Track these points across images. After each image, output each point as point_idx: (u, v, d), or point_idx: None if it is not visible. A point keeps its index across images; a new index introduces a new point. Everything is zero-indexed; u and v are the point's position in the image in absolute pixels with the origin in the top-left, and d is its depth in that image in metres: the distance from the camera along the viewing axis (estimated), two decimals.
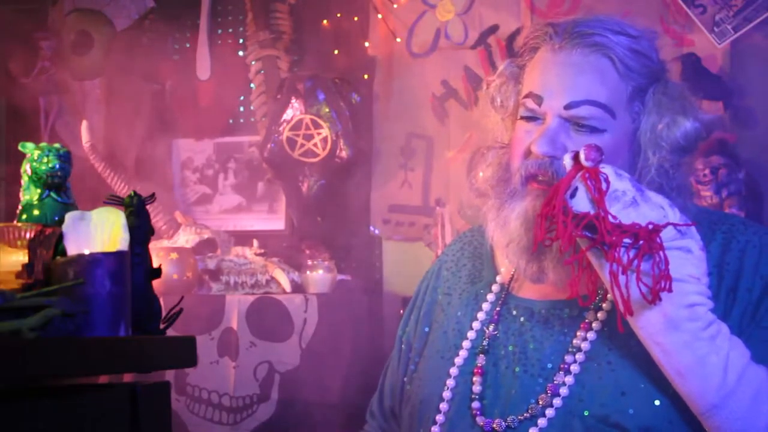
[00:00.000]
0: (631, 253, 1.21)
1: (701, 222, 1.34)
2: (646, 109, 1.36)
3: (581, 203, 1.23)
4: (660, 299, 1.21)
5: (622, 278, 1.22)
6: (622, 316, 1.23)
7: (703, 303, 1.25)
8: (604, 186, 1.23)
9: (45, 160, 1.28)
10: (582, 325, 1.38)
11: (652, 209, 1.24)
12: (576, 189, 1.24)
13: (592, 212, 1.22)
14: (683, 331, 1.23)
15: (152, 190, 1.40)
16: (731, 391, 1.22)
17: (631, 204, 1.24)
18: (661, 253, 1.21)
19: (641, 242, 1.21)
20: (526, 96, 1.39)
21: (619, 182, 1.24)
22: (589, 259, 1.25)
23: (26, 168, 1.30)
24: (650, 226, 1.22)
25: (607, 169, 1.25)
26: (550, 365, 1.37)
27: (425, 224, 3.37)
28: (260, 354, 2.82)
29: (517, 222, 1.36)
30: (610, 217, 1.22)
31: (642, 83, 1.37)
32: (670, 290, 1.21)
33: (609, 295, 1.37)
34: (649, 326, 1.24)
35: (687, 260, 1.24)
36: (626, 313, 1.22)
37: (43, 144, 1.30)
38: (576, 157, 1.26)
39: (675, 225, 1.24)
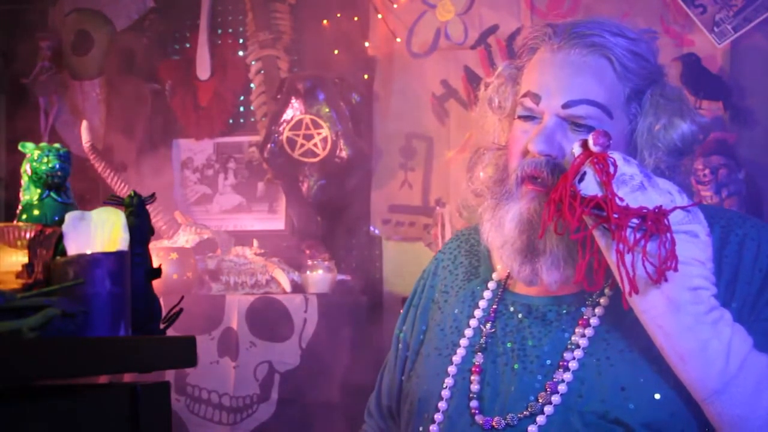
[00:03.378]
0: (638, 234, 1.22)
1: None
2: (643, 110, 1.37)
3: (590, 187, 1.24)
4: (666, 279, 1.22)
5: (628, 257, 1.22)
6: (627, 295, 1.24)
7: (707, 287, 1.25)
8: (611, 170, 1.24)
9: (45, 160, 1.29)
10: (580, 322, 1.38)
11: (660, 194, 1.26)
12: (584, 173, 1.25)
13: (600, 195, 1.23)
14: (686, 314, 1.23)
15: (152, 190, 1.40)
16: (733, 377, 1.22)
17: (639, 188, 1.25)
18: (668, 234, 1.22)
19: (648, 223, 1.21)
20: (524, 95, 1.39)
21: (627, 167, 1.26)
22: (596, 238, 1.26)
23: (26, 168, 1.30)
24: (657, 210, 1.23)
25: (615, 155, 1.26)
26: (549, 362, 1.37)
27: (425, 224, 3.37)
28: (260, 354, 2.82)
29: (511, 224, 1.37)
30: (617, 200, 1.23)
31: (640, 85, 1.37)
32: (676, 269, 1.21)
33: (607, 290, 1.38)
34: (652, 309, 1.24)
35: (693, 244, 1.25)
36: (631, 292, 1.22)
37: (43, 144, 1.30)
38: (584, 145, 1.27)
39: (683, 208, 1.25)
